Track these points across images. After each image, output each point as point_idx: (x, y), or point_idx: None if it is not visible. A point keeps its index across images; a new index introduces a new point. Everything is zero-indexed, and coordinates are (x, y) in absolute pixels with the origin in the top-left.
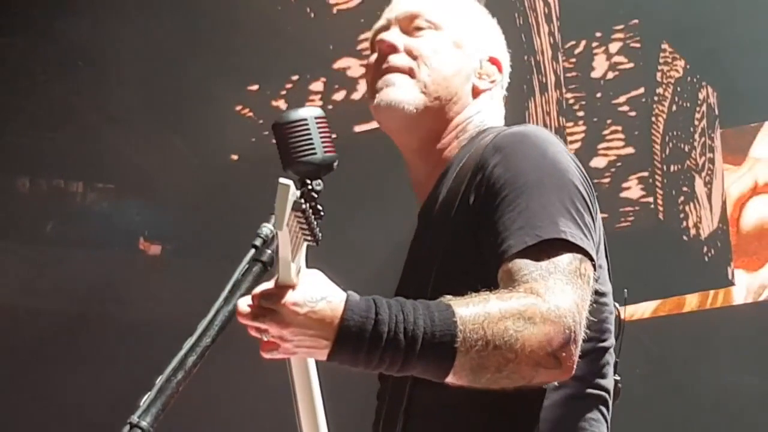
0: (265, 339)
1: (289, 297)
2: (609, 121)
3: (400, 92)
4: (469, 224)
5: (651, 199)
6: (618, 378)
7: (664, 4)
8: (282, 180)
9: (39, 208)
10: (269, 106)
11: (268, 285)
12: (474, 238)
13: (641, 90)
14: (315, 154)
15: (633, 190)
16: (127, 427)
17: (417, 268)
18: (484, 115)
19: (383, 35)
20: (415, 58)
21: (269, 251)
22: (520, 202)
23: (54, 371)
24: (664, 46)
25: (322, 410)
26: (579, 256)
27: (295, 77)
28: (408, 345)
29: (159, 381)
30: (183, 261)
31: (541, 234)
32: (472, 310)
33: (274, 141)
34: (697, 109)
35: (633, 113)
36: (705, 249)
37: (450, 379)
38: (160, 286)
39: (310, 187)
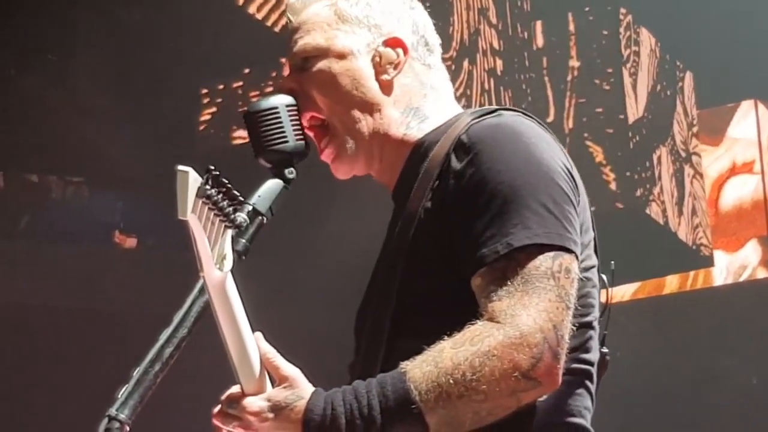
0: None
1: (252, 406)
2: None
3: (343, 163)
4: (438, 223)
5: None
6: (606, 350)
7: None
8: (180, 167)
9: (13, 203)
10: (240, 96)
11: (235, 389)
12: (443, 237)
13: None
14: (286, 142)
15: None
16: (106, 419)
17: (387, 259)
18: (410, 97)
19: (283, 83)
20: (317, 106)
21: (243, 240)
22: (492, 207)
23: (31, 366)
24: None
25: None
26: (552, 254)
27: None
28: (367, 427)
29: (136, 373)
30: (159, 253)
31: (513, 242)
32: (425, 369)
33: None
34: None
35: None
36: (685, 231)
37: None
38: (136, 279)
39: (216, 172)
